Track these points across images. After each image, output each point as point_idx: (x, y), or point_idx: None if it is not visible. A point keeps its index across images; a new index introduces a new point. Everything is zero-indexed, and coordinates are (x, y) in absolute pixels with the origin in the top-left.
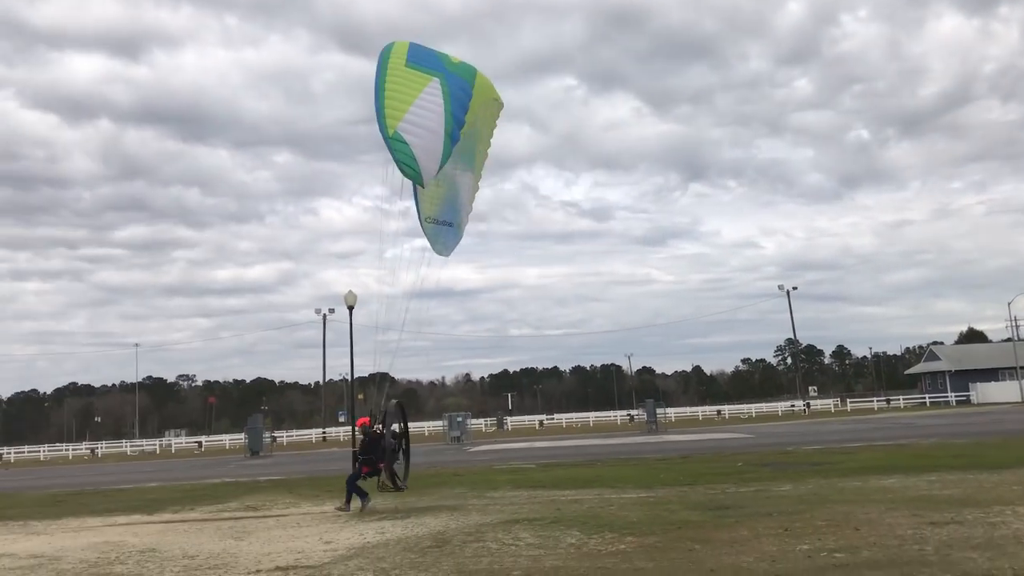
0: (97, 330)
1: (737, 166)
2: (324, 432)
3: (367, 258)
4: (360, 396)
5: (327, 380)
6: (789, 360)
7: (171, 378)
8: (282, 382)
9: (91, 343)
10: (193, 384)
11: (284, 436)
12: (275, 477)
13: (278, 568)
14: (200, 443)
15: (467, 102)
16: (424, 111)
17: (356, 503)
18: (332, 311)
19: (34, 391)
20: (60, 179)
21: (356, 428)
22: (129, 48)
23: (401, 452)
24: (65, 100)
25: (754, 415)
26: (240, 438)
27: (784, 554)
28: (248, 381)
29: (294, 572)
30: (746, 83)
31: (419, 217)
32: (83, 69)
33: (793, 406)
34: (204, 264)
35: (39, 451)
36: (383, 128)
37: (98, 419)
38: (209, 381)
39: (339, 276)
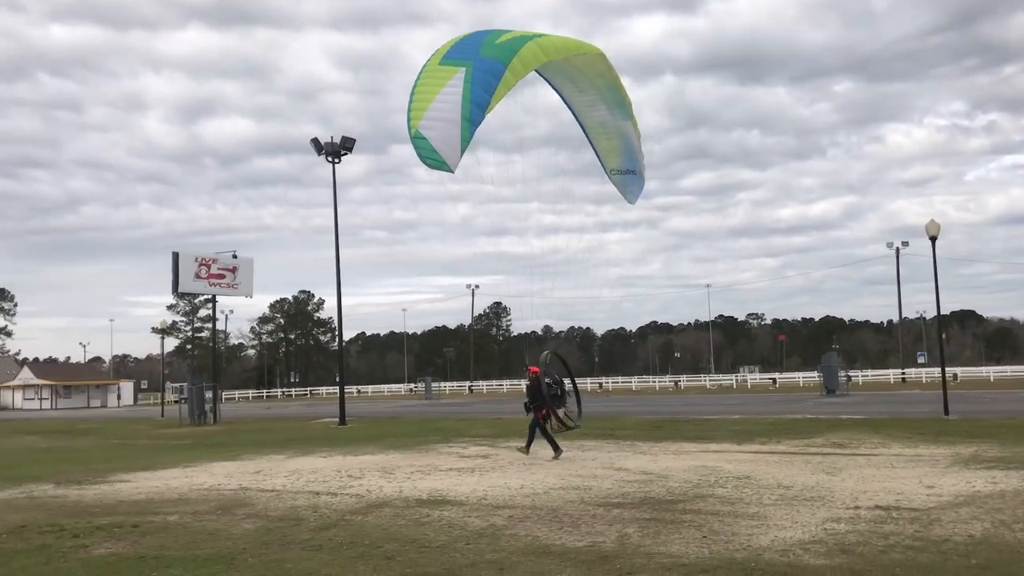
0: (672, 273)
1: None
2: (903, 372)
3: (943, 184)
4: (944, 335)
5: (902, 318)
6: None
7: (741, 316)
8: (852, 320)
9: (668, 285)
10: (762, 322)
11: (859, 375)
12: (856, 416)
13: (878, 507)
14: (774, 379)
15: (496, 81)
16: (444, 103)
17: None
18: (905, 244)
19: (622, 329)
20: None
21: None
22: (686, 3)
23: (568, 395)
24: (634, 62)
25: None
26: (813, 376)
27: None
28: (816, 319)
29: (896, 512)
30: None
31: (605, 171)
32: (646, 31)
33: None
34: (767, 204)
35: (631, 382)
36: (408, 129)
37: (677, 354)
38: (778, 319)
39: (909, 206)
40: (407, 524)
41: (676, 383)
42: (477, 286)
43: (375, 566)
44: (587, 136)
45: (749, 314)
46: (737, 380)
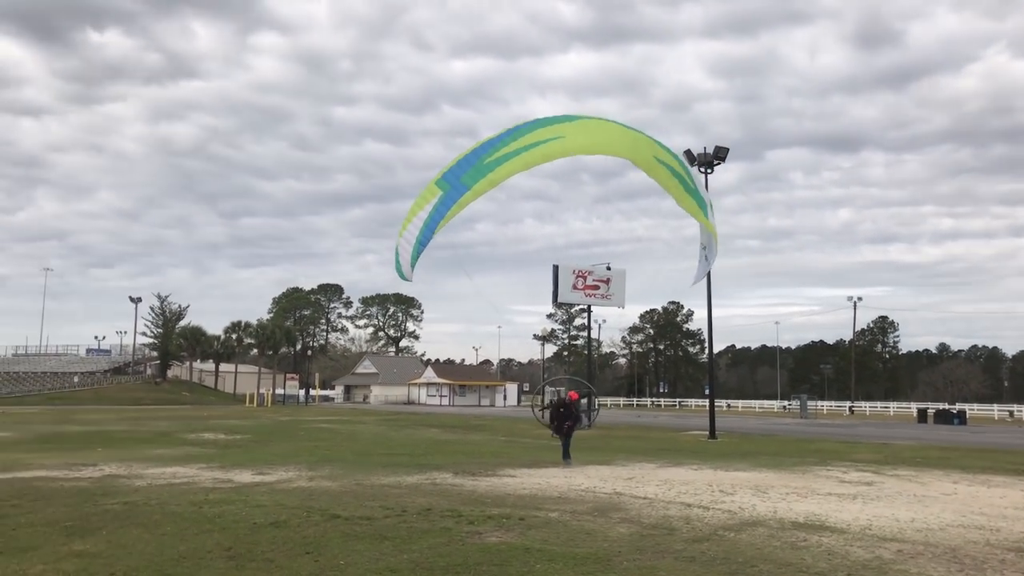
0: None
1: None
2: None
3: None
4: None
5: None
6: None
7: None
8: None
9: None
10: None
11: None
12: None
13: None
14: None
15: (451, 205)
16: (415, 224)
17: None
18: None
19: None
20: None
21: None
22: None
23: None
24: None
25: None
26: None
27: None
28: None
29: None
30: None
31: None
32: None
33: None
34: None
35: None
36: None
37: None
38: None
39: None
40: (782, 547)
41: None
42: (860, 298)
43: None
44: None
45: None
46: None
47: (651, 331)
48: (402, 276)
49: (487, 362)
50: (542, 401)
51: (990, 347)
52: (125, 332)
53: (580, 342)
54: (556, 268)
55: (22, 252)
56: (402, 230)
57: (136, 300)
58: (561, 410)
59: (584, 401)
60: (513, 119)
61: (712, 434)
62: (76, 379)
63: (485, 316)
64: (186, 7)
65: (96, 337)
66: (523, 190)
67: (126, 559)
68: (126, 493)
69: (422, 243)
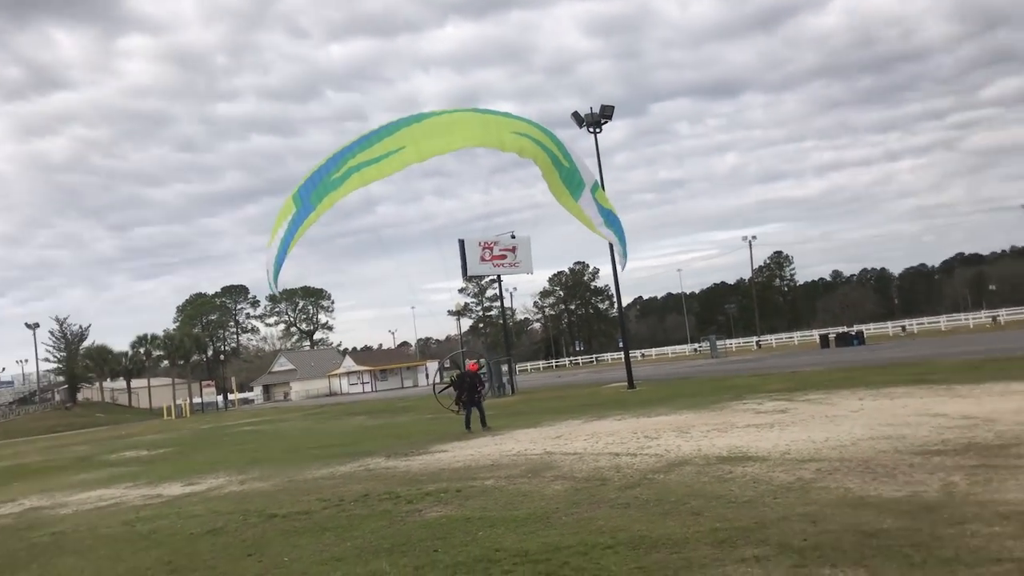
0: (979, 197)
1: None
2: None
3: None
4: None
5: None
6: None
7: None
8: None
9: (974, 211)
10: None
11: None
12: None
13: None
14: None
15: (300, 223)
16: (277, 237)
17: None
18: None
19: (922, 265)
20: (916, 52)
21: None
22: None
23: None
24: None
25: None
26: None
27: None
28: None
29: None
30: None
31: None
32: None
33: None
34: None
35: (938, 321)
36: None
37: (992, 287)
38: None
39: None
40: (710, 481)
41: (994, 318)
42: (754, 237)
43: (683, 521)
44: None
45: None
46: None
47: (561, 293)
48: (270, 287)
49: (405, 344)
50: (440, 379)
51: (879, 268)
52: (26, 360)
53: (494, 312)
54: (462, 242)
55: None
56: (269, 242)
57: (33, 326)
58: (467, 381)
59: (504, 368)
60: (399, 98)
61: (631, 384)
62: None
63: (398, 298)
64: (41, 15)
65: None
66: (422, 168)
67: None
68: (52, 523)
69: (279, 261)
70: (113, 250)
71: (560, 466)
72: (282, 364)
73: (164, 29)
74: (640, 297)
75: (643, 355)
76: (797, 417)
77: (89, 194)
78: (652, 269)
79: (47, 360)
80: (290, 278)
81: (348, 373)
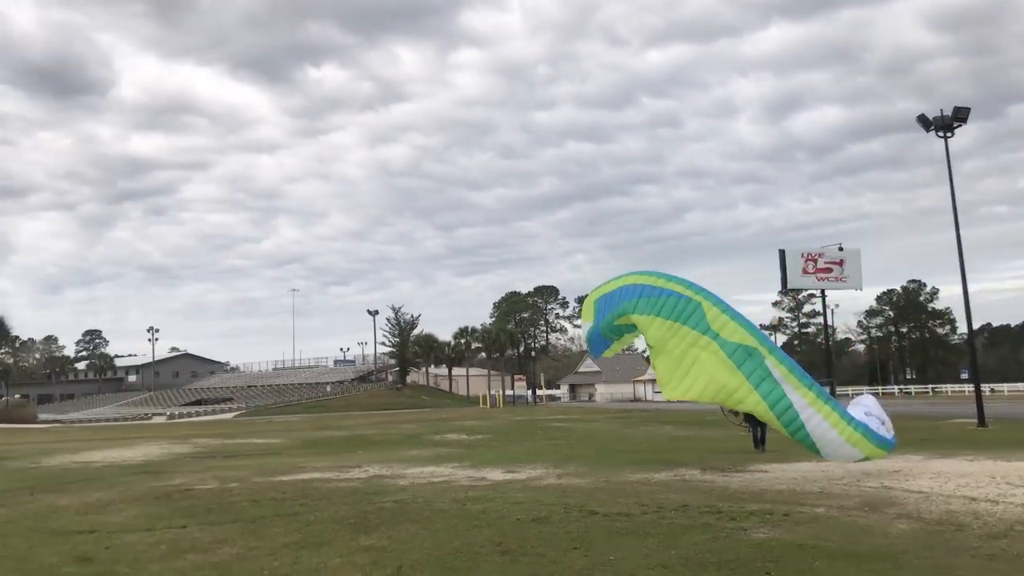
0: None
1: None
2: None
3: None
4: None
5: None
6: None
7: None
8: None
9: None
10: None
11: None
12: None
13: None
14: None
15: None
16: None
17: None
18: None
19: None
20: None
21: None
22: None
23: None
24: None
25: None
26: None
27: None
28: None
29: None
30: None
31: None
32: None
33: None
34: None
35: None
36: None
37: None
38: None
39: None
40: None
41: None
42: None
43: None
44: None
45: None
46: None
47: (890, 313)
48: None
49: None
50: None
51: None
52: (365, 343)
53: (811, 329)
54: (783, 253)
55: (271, 276)
56: (584, 319)
57: (374, 313)
58: None
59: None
60: (715, 103)
61: (981, 421)
62: (328, 388)
63: None
64: (388, 34)
65: (341, 349)
66: (732, 174)
67: (409, 553)
68: (394, 492)
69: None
70: (439, 248)
71: (903, 503)
72: (588, 365)
73: (492, 42)
74: (988, 324)
75: (992, 390)
76: None
77: (423, 197)
78: (1005, 292)
79: (383, 344)
80: (598, 281)
81: (652, 380)
